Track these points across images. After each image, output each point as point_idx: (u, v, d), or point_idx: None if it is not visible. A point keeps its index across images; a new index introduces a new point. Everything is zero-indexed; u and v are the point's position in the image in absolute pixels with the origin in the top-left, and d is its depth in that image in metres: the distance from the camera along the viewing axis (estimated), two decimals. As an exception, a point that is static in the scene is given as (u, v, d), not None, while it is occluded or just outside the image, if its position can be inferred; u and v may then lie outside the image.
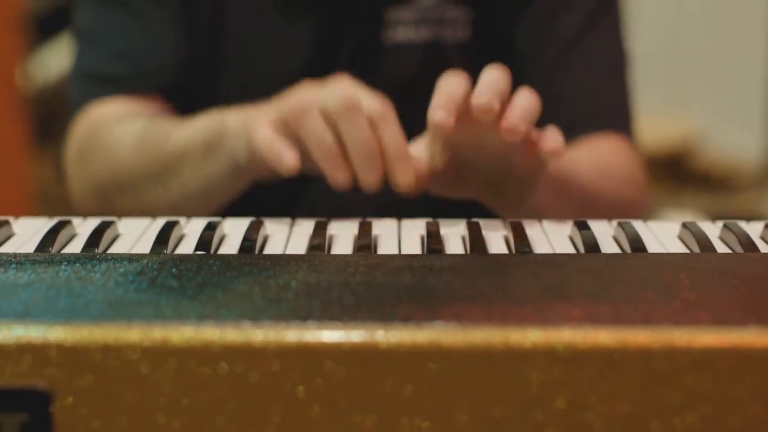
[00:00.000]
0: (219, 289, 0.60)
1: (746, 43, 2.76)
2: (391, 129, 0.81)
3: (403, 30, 1.10)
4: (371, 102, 0.81)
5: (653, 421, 0.54)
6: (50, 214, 0.84)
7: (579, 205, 0.90)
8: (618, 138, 1.10)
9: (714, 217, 0.84)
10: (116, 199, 1.03)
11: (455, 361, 0.54)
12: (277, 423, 0.55)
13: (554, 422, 0.54)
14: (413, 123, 1.11)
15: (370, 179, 0.80)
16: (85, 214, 1.03)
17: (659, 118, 2.67)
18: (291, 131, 0.81)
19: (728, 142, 2.76)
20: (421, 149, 0.83)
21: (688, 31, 2.81)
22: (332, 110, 0.79)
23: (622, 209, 1.02)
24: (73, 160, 1.10)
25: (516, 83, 1.11)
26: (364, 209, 0.97)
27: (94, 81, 1.11)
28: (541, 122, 1.08)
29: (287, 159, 0.80)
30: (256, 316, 0.56)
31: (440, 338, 0.54)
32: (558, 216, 0.85)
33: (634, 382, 0.54)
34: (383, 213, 0.84)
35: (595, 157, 1.04)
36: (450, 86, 0.79)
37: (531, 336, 0.54)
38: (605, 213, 0.98)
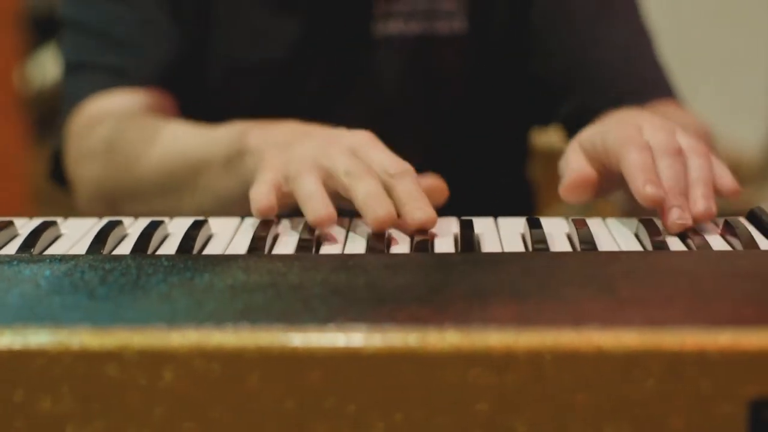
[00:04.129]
0: (140, 290, 0.59)
1: (750, 36, 2.73)
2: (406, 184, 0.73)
3: (394, 22, 1.08)
4: (387, 162, 0.75)
5: (578, 427, 0.52)
6: (48, 214, 0.82)
7: None
8: (674, 102, 1.07)
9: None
10: (124, 205, 0.99)
11: (371, 363, 0.52)
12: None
13: (477, 427, 0.53)
14: (402, 118, 1.09)
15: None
16: (88, 213, 0.99)
17: (662, 112, 2.64)
18: (288, 187, 0.76)
19: (730, 135, 2.73)
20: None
21: (691, 24, 2.78)
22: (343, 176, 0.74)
23: None
24: (75, 158, 1.04)
25: (519, 69, 1.09)
26: None
27: (94, 72, 1.06)
28: (588, 101, 1.05)
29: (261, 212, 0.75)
30: (172, 319, 0.54)
31: (353, 341, 0.52)
32: None
33: (562, 387, 0.52)
34: None
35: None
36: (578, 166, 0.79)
37: (449, 338, 0.52)
38: None
